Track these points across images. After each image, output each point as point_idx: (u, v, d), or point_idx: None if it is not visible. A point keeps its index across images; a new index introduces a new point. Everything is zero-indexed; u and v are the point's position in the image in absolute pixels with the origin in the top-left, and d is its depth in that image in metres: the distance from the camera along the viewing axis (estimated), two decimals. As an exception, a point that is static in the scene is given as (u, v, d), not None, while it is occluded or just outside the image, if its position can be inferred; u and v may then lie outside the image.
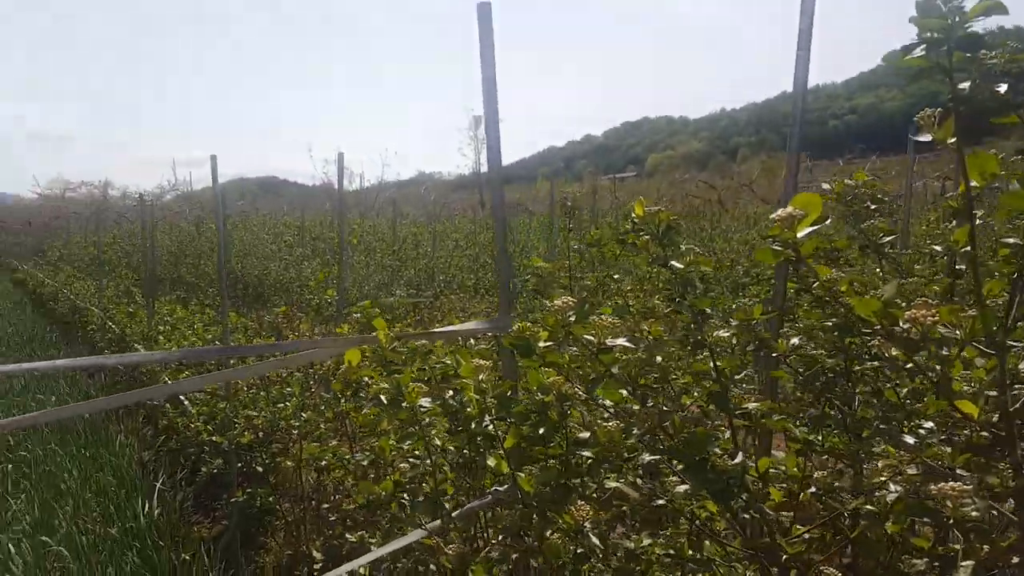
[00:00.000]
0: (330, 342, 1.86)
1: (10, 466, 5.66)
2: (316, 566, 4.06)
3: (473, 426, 1.53)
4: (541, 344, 1.45)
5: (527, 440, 1.48)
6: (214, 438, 4.41)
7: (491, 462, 1.51)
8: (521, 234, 11.04)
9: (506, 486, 1.62)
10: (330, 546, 4.23)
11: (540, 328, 1.46)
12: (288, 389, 4.74)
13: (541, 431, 1.46)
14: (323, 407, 4.06)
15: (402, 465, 1.80)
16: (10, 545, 4.32)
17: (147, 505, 4.65)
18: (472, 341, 2.60)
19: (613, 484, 1.45)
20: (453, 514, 1.65)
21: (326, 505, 4.41)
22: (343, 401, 3.17)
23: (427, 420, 1.58)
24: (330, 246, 10.25)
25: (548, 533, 1.46)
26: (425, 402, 1.56)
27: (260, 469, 4.92)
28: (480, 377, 1.53)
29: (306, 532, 4.40)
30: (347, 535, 2.39)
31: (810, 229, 1.23)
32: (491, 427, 1.55)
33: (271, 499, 4.94)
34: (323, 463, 2.76)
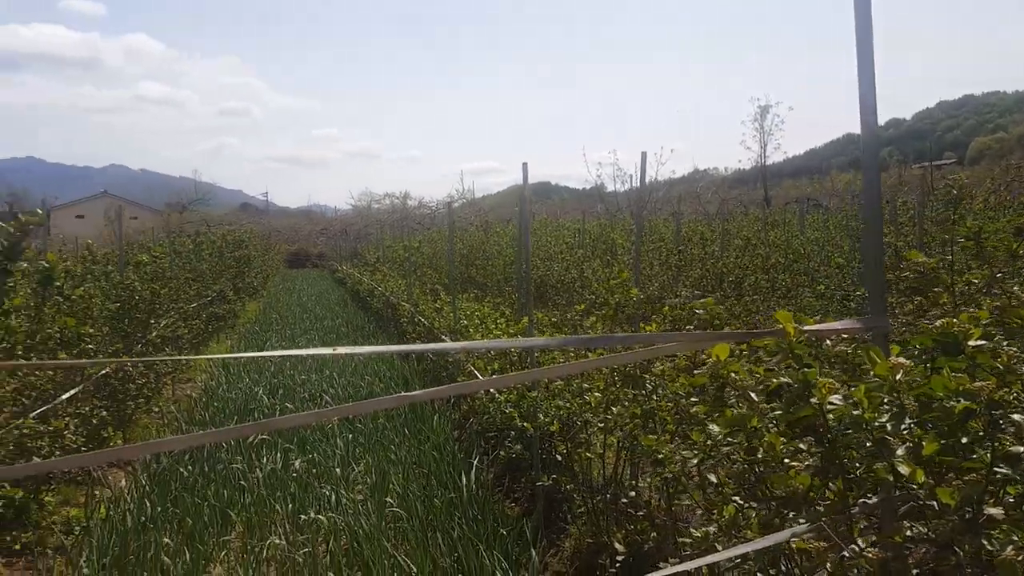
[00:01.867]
0: (688, 336, 1.88)
1: (350, 435, 6.58)
2: (618, 557, 4.17)
3: (878, 427, 1.45)
4: (971, 343, 1.34)
5: (942, 449, 1.37)
6: (525, 424, 4.71)
7: (903, 468, 1.42)
8: (818, 232, 10.31)
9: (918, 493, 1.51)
10: (632, 540, 4.32)
11: (969, 325, 1.34)
12: (585, 384, 4.92)
13: (963, 440, 1.34)
14: (626, 402, 4.16)
15: (793, 464, 1.76)
16: (358, 503, 5.04)
17: (466, 479, 5.11)
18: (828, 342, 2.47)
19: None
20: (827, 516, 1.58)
21: (624, 500, 4.53)
22: (683, 399, 3.20)
23: (832, 418, 1.53)
24: (610, 247, 10.49)
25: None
26: (836, 399, 1.51)
27: (559, 458, 5.19)
28: (897, 376, 1.44)
29: (608, 523, 4.54)
30: (691, 531, 2.40)
31: None
32: (905, 431, 1.46)
33: (570, 487, 5.18)
34: (659, 456, 2.80)
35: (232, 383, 9.29)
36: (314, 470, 5.76)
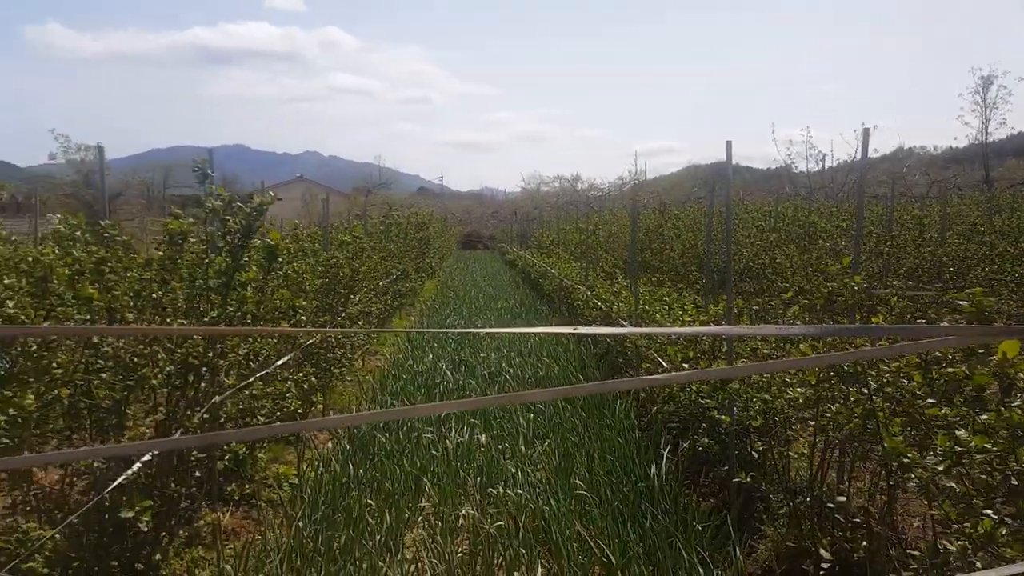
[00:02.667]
0: (969, 331, 1.68)
1: (532, 415, 6.69)
2: (824, 564, 3.92)
3: None
4: None
5: None
6: (722, 417, 4.54)
7: None
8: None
9: None
10: (840, 547, 4.04)
11: None
12: (787, 378, 4.64)
13: None
14: (842, 399, 3.87)
15: None
16: (544, 476, 5.11)
17: (655, 469, 5.02)
18: None
19: None
20: None
21: (831, 504, 4.23)
22: (919, 399, 2.93)
23: None
24: (806, 231, 9.85)
25: None
26: None
27: (755, 454, 4.95)
28: None
29: (811, 526, 4.27)
30: (946, 544, 2.18)
31: None
32: None
33: (765, 486, 4.94)
34: (905, 460, 2.57)
35: (418, 358, 9.76)
36: (500, 446, 5.91)
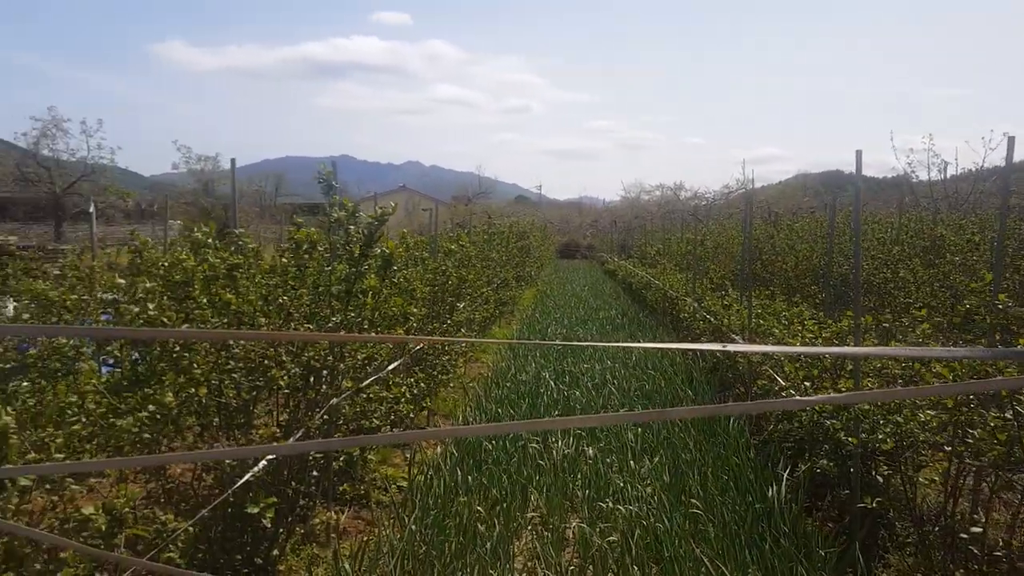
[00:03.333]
0: None
1: (640, 429, 6.56)
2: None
3: None
4: None
5: None
6: (850, 439, 4.30)
7: None
8: None
9: None
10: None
11: None
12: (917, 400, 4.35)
13: None
14: (982, 425, 3.59)
15: None
16: (653, 492, 4.99)
17: (774, 490, 4.82)
18: None
19: None
20: None
21: (963, 535, 3.94)
22: None
23: None
24: (932, 244, 9.26)
25: None
26: None
27: (880, 479, 4.67)
28: None
29: (943, 558, 3.98)
30: None
31: None
32: None
33: (890, 513, 4.65)
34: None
35: (520, 367, 9.78)
36: (607, 459, 5.82)
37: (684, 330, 11.29)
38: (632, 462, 5.73)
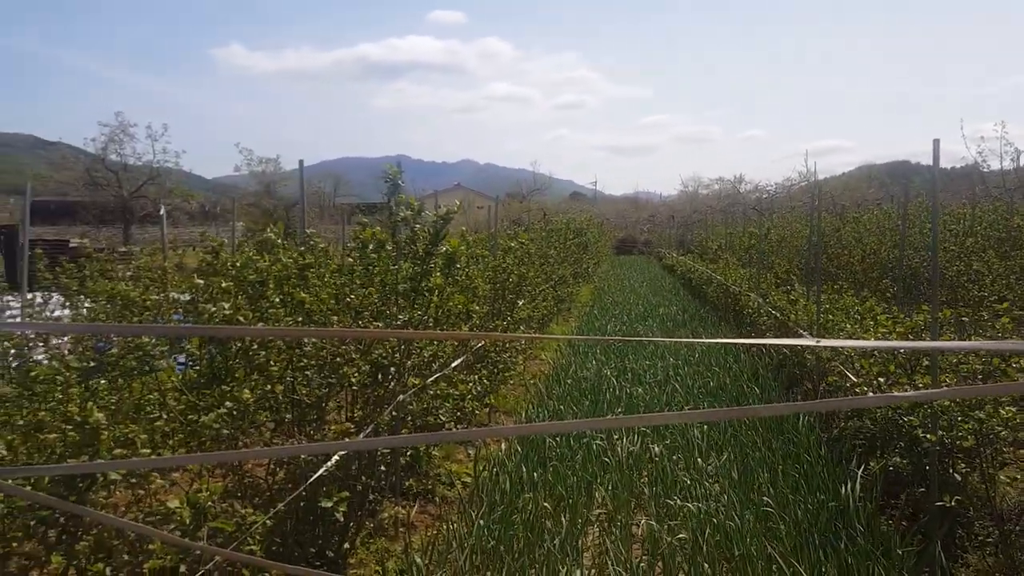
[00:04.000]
0: None
1: (706, 426, 6.46)
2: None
3: None
4: None
5: None
6: (927, 436, 4.14)
7: None
8: None
9: None
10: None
11: None
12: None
13: None
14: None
15: None
16: (721, 490, 4.91)
17: (847, 488, 4.69)
18: None
19: None
20: None
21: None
22: None
23: None
24: (1008, 236, 8.86)
25: None
26: None
27: (958, 477, 4.49)
28: None
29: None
30: None
31: None
32: None
33: (969, 512, 4.47)
34: None
35: (580, 363, 9.74)
36: (674, 456, 5.74)
37: (747, 326, 11.06)
38: (699, 459, 5.64)
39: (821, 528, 4.40)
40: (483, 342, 7.35)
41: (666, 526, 4.59)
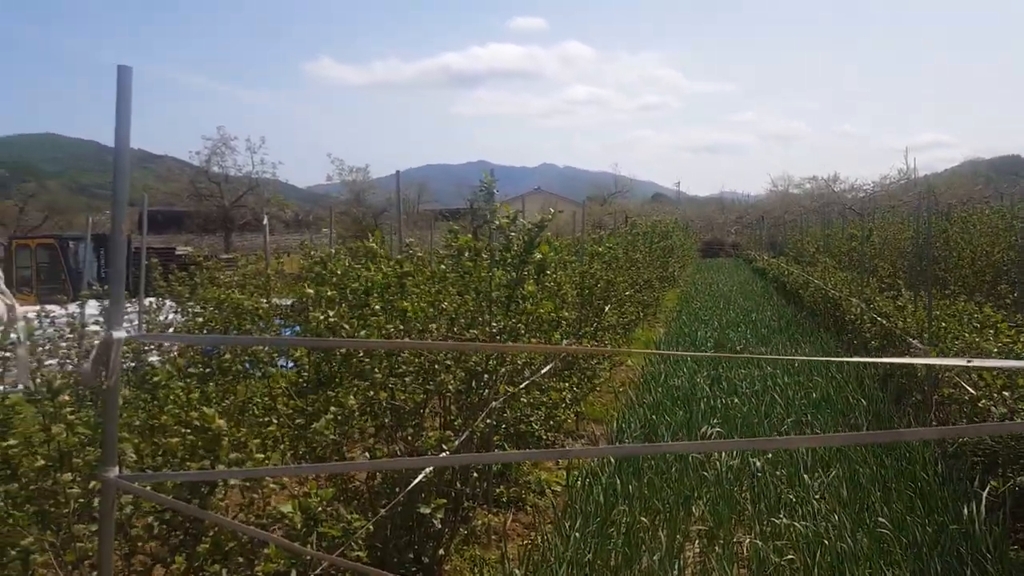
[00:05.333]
0: None
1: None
2: None
3: None
4: None
5: None
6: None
7: None
8: None
9: None
10: None
11: None
12: None
13: None
14: None
15: None
16: (832, 509, 4.67)
17: (971, 510, 4.38)
18: None
19: None
20: None
21: None
22: None
23: None
24: None
25: None
26: None
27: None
28: None
29: None
30: None
31: None
32: None
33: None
34: None
35: (671, 371, 9.53)
36: (777, 472, 5.52)
37: (849, 333, 10.57)
38: (805, 475, 5.39)
39: (942, 553, 4.13)
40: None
41: (771, 545, 4.40)
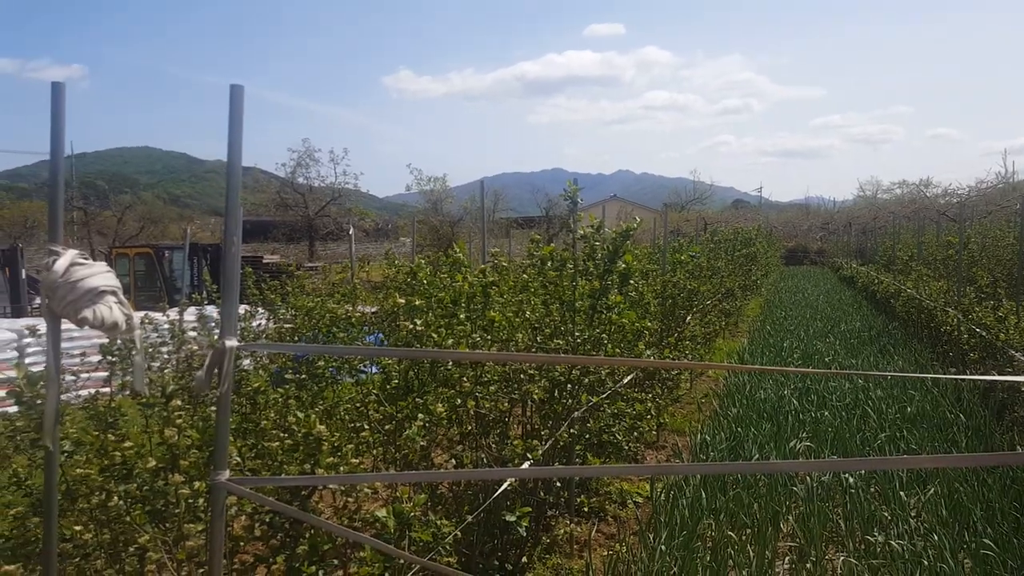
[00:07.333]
0: None
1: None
2: None
3: None
4: None
5: None
6: None
7: None
8: None
9: None
10: None
11: None
12: None
13: None
14: None
15: None
16: (930, 527, 4.46)
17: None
18: None
19: None
20: None
21: None
22: None
23: None
24: None
25: None
26: None
27: None
28: None
29: None
30: None
31: None
32: None
33: None
34: None
35: (755, 383, 9.29)
36: (871, 489, 5.31)
37: (944, 345, 10.07)
38: (901, 492, 5.17)
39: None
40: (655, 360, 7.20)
41: (866, 564, 4.24)
